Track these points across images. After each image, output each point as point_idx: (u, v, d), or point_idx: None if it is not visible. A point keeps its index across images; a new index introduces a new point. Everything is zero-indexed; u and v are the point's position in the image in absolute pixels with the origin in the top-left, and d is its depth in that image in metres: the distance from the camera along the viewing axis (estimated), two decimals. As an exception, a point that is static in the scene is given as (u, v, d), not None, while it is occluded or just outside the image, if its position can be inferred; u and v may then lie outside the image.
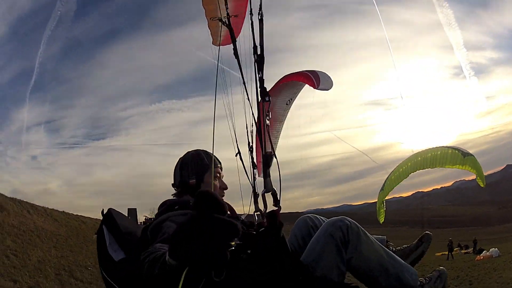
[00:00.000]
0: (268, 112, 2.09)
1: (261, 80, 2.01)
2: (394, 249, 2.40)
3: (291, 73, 6.23)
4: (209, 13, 4.40)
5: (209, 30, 4.65)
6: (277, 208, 1.79)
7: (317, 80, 5.60)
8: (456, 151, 10.30)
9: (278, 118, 6.88)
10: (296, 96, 6.77)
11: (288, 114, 6.79)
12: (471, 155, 9.81)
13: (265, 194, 1.85)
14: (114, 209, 2.05)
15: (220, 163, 2.33)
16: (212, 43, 4.62)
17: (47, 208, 22.22)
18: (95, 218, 24.83)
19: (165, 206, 2.01)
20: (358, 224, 1.96)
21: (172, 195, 2.22)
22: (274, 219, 1.69)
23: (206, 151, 2.29)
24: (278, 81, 6.35)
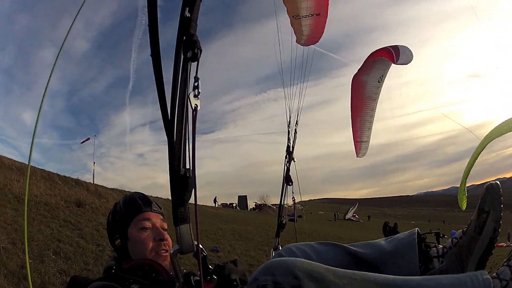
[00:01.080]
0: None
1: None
2: (437, 245, 1.61)
3: (376, 50, 6.12)
4: (291, 11, 4.26)
5: (292, 28, 4.49)
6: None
7: (397, 54, 5.47)
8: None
9: (371, 96, 6.75)
10: (387, 72, 6.48)
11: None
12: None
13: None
14: (78, 277, 1.69)
15: (151, 204, 1.68)
16: (296, 42, 4.55)
17: (151, 196, 24.05)
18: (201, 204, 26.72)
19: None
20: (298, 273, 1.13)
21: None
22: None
23: (131, 195, 1.71)
24: (366, 58, 6.26)
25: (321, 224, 39.25)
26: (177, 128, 1.12)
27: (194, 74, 1.12)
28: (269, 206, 52.16)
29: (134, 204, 1.62)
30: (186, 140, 1.13)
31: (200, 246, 1.19)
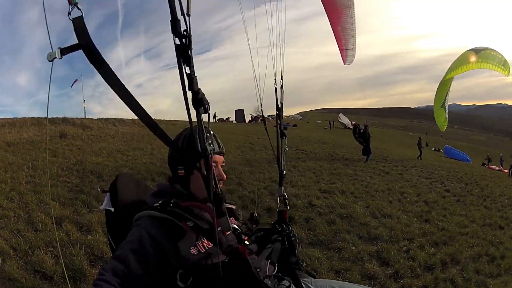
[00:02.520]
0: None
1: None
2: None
3: None
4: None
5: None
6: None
7: None
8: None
9: (345, 4, 6.74)
10: None
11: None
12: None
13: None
14: (124, 175, 1.99)
15: (220, 146, 1.84)
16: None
17: (136, 119, 24.48)
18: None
19: (151, 196, 1.80)
20: None
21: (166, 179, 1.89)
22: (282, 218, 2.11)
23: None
24: None
25: (315, 132, 40.80)
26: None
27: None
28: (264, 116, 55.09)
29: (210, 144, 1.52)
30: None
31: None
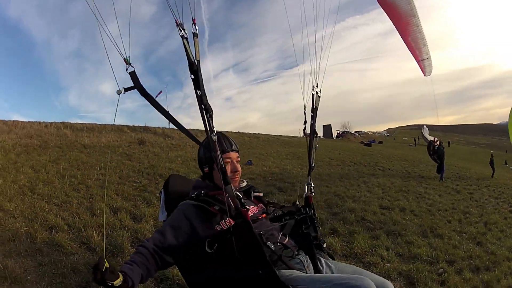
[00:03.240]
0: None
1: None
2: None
3: None
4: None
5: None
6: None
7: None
8: None
9: (408, 13, 6.52)
10: None
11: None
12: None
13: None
14: (175, 175, 2.67)
15: (232, 145, 2.38)
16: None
17: (245, 132, 29.58)
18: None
19: (192, 189, 2.39)
20: None
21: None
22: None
23: (220, 134, 2.37)
24: None
25: (399, 149, 39.40)
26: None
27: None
28: (351, 133, 54.58)
29: (221, 145, 2.26)
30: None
31: None
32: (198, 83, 1.89)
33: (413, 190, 11.50)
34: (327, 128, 55.82)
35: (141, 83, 1.89)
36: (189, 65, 1.87)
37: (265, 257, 1.90)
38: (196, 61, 1.90)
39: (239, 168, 2.36)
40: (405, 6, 6.40)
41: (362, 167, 17.03)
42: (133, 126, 22.79)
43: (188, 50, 1.87)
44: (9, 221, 4.87)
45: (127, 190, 7.36)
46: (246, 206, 2.04)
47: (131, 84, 1.88)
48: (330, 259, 2.42)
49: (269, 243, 2.07)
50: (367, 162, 18.89)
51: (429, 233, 6.54)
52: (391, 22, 6.80)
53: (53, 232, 4.62)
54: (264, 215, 2.34)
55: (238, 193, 2.14)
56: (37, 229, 4.60)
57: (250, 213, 2.19)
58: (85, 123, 21.11)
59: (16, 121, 18.89)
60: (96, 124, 21.75)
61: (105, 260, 1.70)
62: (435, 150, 16.85)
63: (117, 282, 1.74)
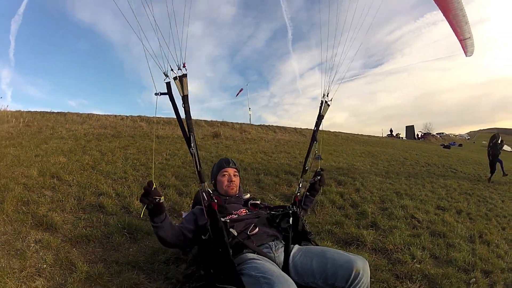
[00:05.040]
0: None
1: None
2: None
3: None
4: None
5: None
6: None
7: None
8: None
9: None
10: None
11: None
12: None
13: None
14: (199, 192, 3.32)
15: (229, 163, 3.63)
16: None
17: (298, 127, 28.91)
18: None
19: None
20: None
21: None
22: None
23: (220, 159, 3.72)
24: None
25: (478, 153, 36.21)
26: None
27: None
28: (432, 135, 52.74)
29: (221, 163, 3.63)
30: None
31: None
32: (189, 113, 2.76)
33: (477, 194, 10.74)
34: (409, 129, 54.24)
35: (190, 89, 2.69)
36: (182, 98, 2.71)
37: (223, 238, 2.66)
38: (184, 96, 2.71)
39: (234, 179, 3.53)
40: None
41: (435, 168, 16.22)
42: (211, 120, 23.80)
43: (178, 88, 2.68)
44: (63, 187, 5.86)
45: (184, 173, 7.97)
46: (214, 199, 2.83)
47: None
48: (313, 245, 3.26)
49: (231, 230, 2.90)
50: (441, 164, 17.88)
51: (477, 238, 6.13)
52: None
53: (100, 197, 5.51)
54: (244, 211, 3.33)
55: (209, 190, 2.91)
56: (86, 193, 5.56)
57: (235, 213, 3.21)
58: (163, 117, 22.20)
59: (91, 113, 20.12)
60: (173, 118, 22.46)
61: (154, 183, 2.63)
62: (493, 145, 16.01)
63: (162, 199, 2.70)
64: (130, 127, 17.16)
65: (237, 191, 3.61)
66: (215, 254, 2.66)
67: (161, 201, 2.69)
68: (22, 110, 19.04)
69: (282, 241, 3.04)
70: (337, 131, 34.08)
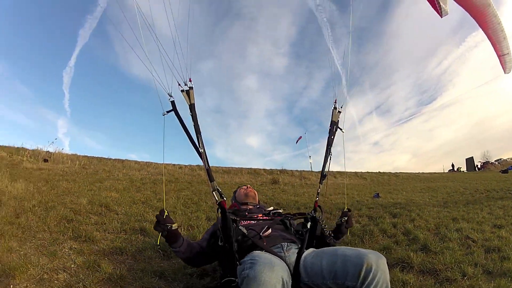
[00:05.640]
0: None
1: None
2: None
3: None
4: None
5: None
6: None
7: None
8: None
9: (482, 2, 6.22)
10: None
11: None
12: None
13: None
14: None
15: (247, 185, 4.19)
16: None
17: (358, 171, 29.06)
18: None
19: None
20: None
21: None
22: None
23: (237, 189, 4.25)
24: None
25: None
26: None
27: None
28: (491, 163, 48.66)
29: (239, 187, 4.15)
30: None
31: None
32: (195, 118, 3.02)
33: (539, 211, 9.64)
34: (469, 161, 50.79)
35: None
36: (189, 106, 3.04)
37: (230, 233, 2.80)
38: (190, 104, 3.04)
39: (250, 189, 4.04)
40: None
41: (494, 193, 14.88)
42: (270, 169, 24.01)
43: (186, 99, 3.04)
44: (110, 214, 6.36)
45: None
46: (224, 198, 2.94)
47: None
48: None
49: (241, 228, 3.01)
50: (499, 188, 16.50)
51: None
52: (467, 12, 6.70)
53: (143, 223, 5.87)
54: (261, 215, 3.51)
55: (219, 188, 2.98)
56: (131, 220, 6.01)
57: (251, 216, 3.42)
58: (222, 166, 22.98)
59: (149, 162, 20.68)
60: (232, 167, 23.47)
61: (166, 210, 2.92)
62: None
63: (175, 225, 2.96)
64: (188, 175, 17.74)
65: (256, 199, 3.89)
66: (225, 253, 2.78)
67: (173, 228, 2.95)
68: (78, 154, 19.37)
69: (298, 244, 3.03)
70: (398, 171, 33.14)
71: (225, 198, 2.94)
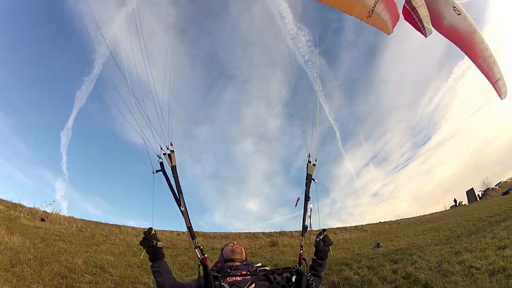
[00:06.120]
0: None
1: None
2: None
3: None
4: (360, 13, 5.77)
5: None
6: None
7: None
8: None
9: (467, 30, 6.60)
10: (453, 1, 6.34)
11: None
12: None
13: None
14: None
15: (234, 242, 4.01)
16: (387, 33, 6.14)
17: (359, 225, 28.53)
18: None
19: None
20: None
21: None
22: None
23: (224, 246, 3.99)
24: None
25: None
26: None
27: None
28: (492, 188, 47.57)
29: (226, 245, 3.91)
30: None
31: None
32: (177, 179, 3.33)
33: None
34: (470, 193, 49.85)
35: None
36: (171, 168, 3.39)
37: None
38: (172, 166, 3.39)
39: (237, 245, 3.82)
40: (462, 23, 6.52)
41: (497, 217, 14.94)
42: (269, 232, 23.87)
43: (168, 161, 3.40)
44: (104, 275, 6.29)
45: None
46: (205, 255, 3.10)
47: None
48: None
49: (224, 284, 3.01)
50: (502, 211, 16.58)
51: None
52: (455, 45, 6.93)
53: (137, 285, 5.82)
54: (245, 272, 3.32)
55: (200, 246, 3.17)
56: (125, 281, 6.00)
57: (235, 274, 3.23)
58: (220, 232, 23.06)
59: (134, 227, 20.20)
60: (231, 232, 23.68)
61: (153, 229, 3.05)
62: None
63: (160, 244, 3.06)
64: (185, 241, 17.45)
65: (243, 255, 3.86)
66: None
67: (158, 245, 3.04)
68: (76, 217, 19.05)
69: None
70: (399, 218, 32.67)
71: (206, 255, 3.07)
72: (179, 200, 3.26)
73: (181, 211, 3.21)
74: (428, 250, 9.60)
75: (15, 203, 16.43)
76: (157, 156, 3.38)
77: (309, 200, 3.89)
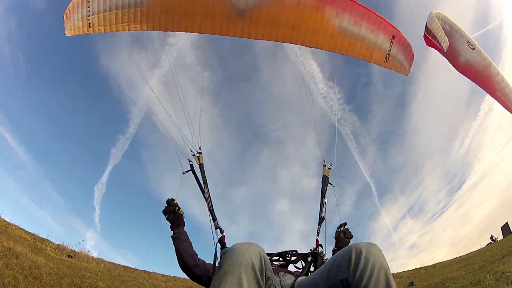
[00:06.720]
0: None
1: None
2: None
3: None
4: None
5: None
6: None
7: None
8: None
9: (483, 64, 6.74)
10: (466, 35, 6.64)
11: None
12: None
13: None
14: None
15: None
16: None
17: (394, 272, 26.28)
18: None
19: None
20: None
21: None
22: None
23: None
24: (440, 52, 6.57)
25: None
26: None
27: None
28: None
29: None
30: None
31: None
32: (203, 172, 4.06)
33: None
34: (505, 228, 47.07)
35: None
36: (199, 165, 4.17)
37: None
38: (200, 164, 4.21)
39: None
40: (477, 58, 6.68)
41: None
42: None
43: (196, 160, 4.26)
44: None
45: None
46: (224, 234, 3.45)
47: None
48: None
49: None
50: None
51: None
52: (475, 82, 6.99)
53: None
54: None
55: (220, 226, 3.52)
56: None
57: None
58: None
59: (176, 276, 18.86)
60: None
61: (175, 200, 3.47)
62: None
63: (181, 211, 3.41)
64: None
65: None
66: None
67: (180, 211, 3.39)
68: (104, 259, 17.27)
69: (295, 275, 2.98)
70: (435, 263, 31.49)
71: (224, 234, 3.42)
72: (203, 190, 3.89)
73: (205, 197, 3.77)
74: (461, 275, 9.89)
75: (42, 238, 15.15)
76: (188, 159, 4.28)
77: (325, 194, 4.46)
